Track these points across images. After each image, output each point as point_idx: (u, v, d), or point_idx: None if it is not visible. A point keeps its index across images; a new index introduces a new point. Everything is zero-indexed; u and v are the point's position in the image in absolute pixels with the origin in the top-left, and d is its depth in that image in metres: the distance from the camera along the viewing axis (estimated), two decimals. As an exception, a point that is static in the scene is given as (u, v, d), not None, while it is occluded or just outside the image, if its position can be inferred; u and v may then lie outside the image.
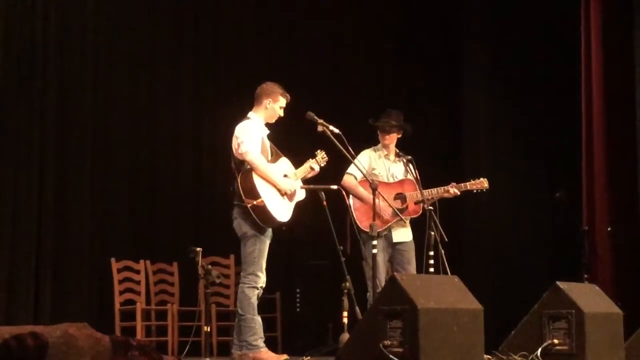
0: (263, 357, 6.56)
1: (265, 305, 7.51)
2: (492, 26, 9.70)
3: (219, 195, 7.75)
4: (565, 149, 9.03)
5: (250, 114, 6.82)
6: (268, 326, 7.29)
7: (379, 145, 7.42)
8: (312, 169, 6.90)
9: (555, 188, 8.81)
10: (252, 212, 6.51)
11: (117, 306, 8.51)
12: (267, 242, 6.64)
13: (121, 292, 8.57)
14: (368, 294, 6.95)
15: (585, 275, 7.89)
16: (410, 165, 7.33)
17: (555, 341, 5.55)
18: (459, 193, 7.25)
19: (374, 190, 6.57)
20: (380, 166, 7.35)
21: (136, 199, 9.19)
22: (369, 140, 7.47)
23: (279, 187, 6.65)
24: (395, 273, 6.29)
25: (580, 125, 8.42)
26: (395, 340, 4.86)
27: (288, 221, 6.72)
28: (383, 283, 6.36)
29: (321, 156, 6.91)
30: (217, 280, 5.97)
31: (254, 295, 6.58)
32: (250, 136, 6.63)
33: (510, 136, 9.58)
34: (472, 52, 9.98)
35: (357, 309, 6.56)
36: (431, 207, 6.94)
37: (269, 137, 6.84)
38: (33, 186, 8.44)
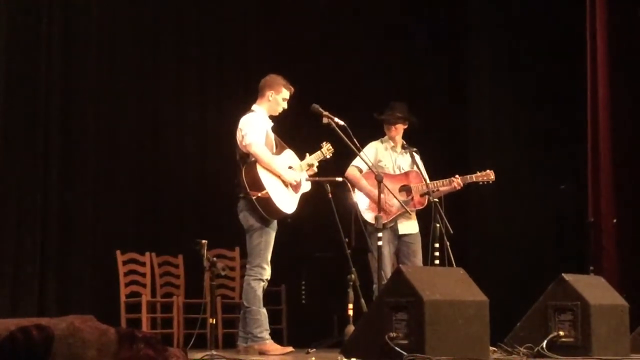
0: (268, 349, 6.57)
1: (270, 297, 7.52)
2: (497, 16, 9.67)
3: (224, 187, 7.74)
4: (570, 140, 9.01)
5: (254, 107, 6.82)
6: (273, 318, 7.29)
7: (386, 137, 7.42)
8: (322, 154, 6.89)
9: (561, 180, 8.80)
10: (257, 204, 6.51)
11: (122, 298, 8.52)
12: (273, 234, 6.65)
13: (126, 285, 8.58)
14: (374, 286, 6.96)
15: (591, 267, 7.88)
16: (416, 157, 7.33)
17: (561, 333, 5.56)
18: (462, 185, 7.24)
19: (379, 182, 6.57)
20: (386, 158, 7.36)
21: (141, 191, 9.19)
22: (375, 133, 7.47)
23: (283, 178, 6.65)
24: (400, 265, 6.29)
25: (586, 116, 8.40)
26: (400, 332, 4.87)
27: (293, 213, 6.73)
28: (389, 275, 6.36)
29: (327, 148, 6.91)
30: (223, 273, 5.96)
31: (259, 288, 6.59)
32: (254, 128, 6.63)
33: (515, 128, 9.56)
34: (477, 43, 9.96)
35: (363, 301, 6.57)
36: (437, 199, 6.94)
37: (274, 129, 6.84)
38: (38, 180, 8.45)
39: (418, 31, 10.03)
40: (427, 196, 7.13)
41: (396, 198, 6.98)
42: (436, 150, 8.62)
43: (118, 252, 8.58)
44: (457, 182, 7.21)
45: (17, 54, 8.41)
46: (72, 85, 8.79)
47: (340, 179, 7.00)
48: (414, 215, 7.28)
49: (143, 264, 8.71)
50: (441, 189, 7.21)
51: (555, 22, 9.20)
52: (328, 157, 6.93)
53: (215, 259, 5.90)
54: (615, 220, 8.13)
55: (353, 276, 6.63)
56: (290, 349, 6.90)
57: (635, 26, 8.21)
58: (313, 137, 7.09)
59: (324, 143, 6.91)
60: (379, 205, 6.63)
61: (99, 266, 8.72)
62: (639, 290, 7.40)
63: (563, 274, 5.73)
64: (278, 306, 8.86)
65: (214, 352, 5.77)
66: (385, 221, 6.95)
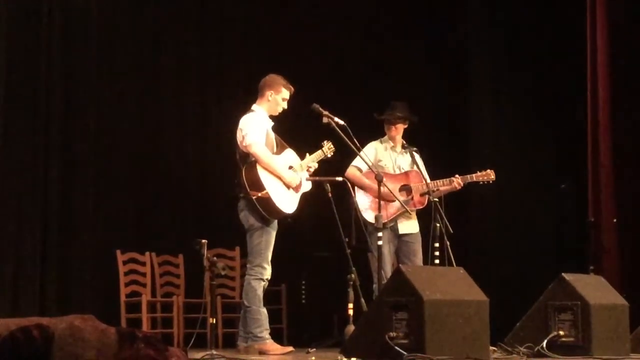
0: (268, 348, 6.57)
1: (270, 297, 7.52)
2: (497, 16, 9.67)
3: (224, 187, 7.75)
4: (571, 140, 9.01)
5: (254, 107, 6.82)
6: (273, 318, 7.29)
7: (386, 137, 7.42)
8: (323, 153, 6.89)
9: (561, 179, 8.81)
10: (257, 204, 6.52)
11: (122, 298, 8.52)
12: (273, 234, 6.65)
13: (127, 284, 8.58)
14: (374, 285, 6.96)
15: (591, 267, 7.88)
16: (417, 156, 7.33)
17: (561, 333, 5.57)
18: (462, 185, 7.24)
19: (380, 181, 6.57)
20: (386, 158, 7.35)
21: (141, 190, 9.19)
22: (375, 133, 7.47)
23: (284, 179, 6.65)
24: (400, 265, 6.29)
25: (586, 116, 8.40)
26: (400, 331, 4.87)
27: (293, 213, 6.73)
28: (389, 275, 6.36)
29: (328, 147, 6.91)
30: (223, 272, 5.97)
31: (260, 287, 6.59)
32: (255, 128, 6.63)
33: (515, 128, 9.56)
34: (477, 42, 9.95)
35: (363, 300, 6.57)
36: (437, 199, 6.94)
37: (274, 129, 6.84)
38: (38, 179, 8.45)
39: (418, 31, 10.02)
40: (427, 196, 7.13)
41: (396, 198, 6.98)
42: (436, 149, 8.61)
43: (118, 252, 8.58)
44: (457, 181, 7.21)
45: (17, 54, 8.42)
46: (72, 85, 8.79)
47: (340, 178, 7.00)
48: (414, 214, 7.28)
49: (143, 264, 8.71)
50: (441, 188, 7.20)
51: (556, 22, 9.20)
52: (329, 156, 6.93)
53: (215, 258, 5.90)
54: (615, 220, 8.13)
55: (353, 276, 6.63)
56: (290, 348, 6.89)
57: (635, 26, 8.22)
58: (313, 136, 7.09)
59: (325, 142, 6.90)
60: (379, 204, 6.62)
61: (99, 266, 8.73)
62: (639, 290, 7.40)
63: (563, 274, 5.73)
64: (278, 306, 8.85)
65: (214, 352, 5.78)
66: (385, 220, 6.94)
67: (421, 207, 7.23)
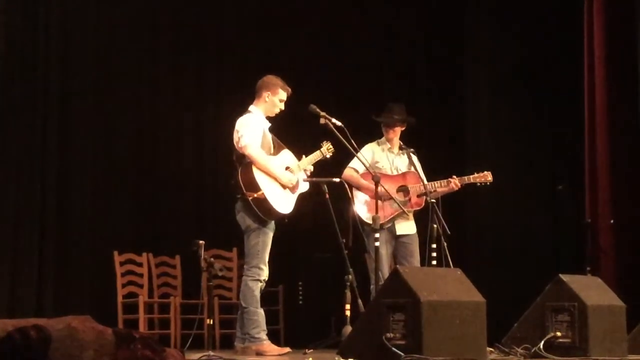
0: (266, 349, 6.57)
1: (268, 297, 7.52)
2: (496, 15, 9.67)
3: (222, 188, 7.76)
4: (568, 140, 9.02)
5: (251, 108, 6.82)
6: (271, 319, 7.29)
7: (383, 139, 7.42)
8: (322, 154, 6.88)
9: (558, 180, 8.81)
10: (253, 205, 6.52)
11: (119, 299, 8.52)
12: (271, 235, 6.65)
13: (124, 285, 8.58)
14: (371, 286, 6.95)
15: (588, 268, 7.89)
16: (414, 158, 7.34)
17: (558, 333, 5.56)
18: (460, 186, 7.24)
19: (377, 183, 6.57)
20: (383, 159, 7.35)
21: (138, 191, 9.19)
22: (372, 134, 7.47)
23: (280, 180, 6.65)
24: (398, 266, 6.29)
25: (583, 117, 8.41)
26: (397, 332, 4.87)
27: (290, 213, 6.73)
28: (386, 276, 6.36)
29: (327, 147, 6.90)
30: (220, 273, 5.96)
31: (257, 288, 6.59)
32: (250, 130, 6.63)
33: (513, 129, 9.57)
34: (475, 41, 9.95)
35: (360, 301, 6.57)
36: (434, 200, 6.94)
37: (272, 130, 6.84)
38: (35, 180, 8.45)
39: (416, 32, 10.02)
40: (424, 197, 7.13)
41: (394, 199, 6.97)
42: (434, 151, 8.62)
43: (115, 253, 8.57)
44: (455, 182, 7.21)
45: (15, 55, 8.42)
46: (70, 86, 8.80)
47: (337, 179, 7.00)
48: (411, 216, 7.28)
49: (140, 265, 8.70)
50: (439, 189, 7.20)
51: (553, 22, 9.21)
52: (328, 156, 6.92)
53: (212, 259, 5.90)
54: (612, 221, 8.14)
55: (350, 277, 6.63)
56: (287, 349, 6.89)
57: (631, 27, 8.22)
58: (311, 138, 7.08)
59: (324, 142, 6.89)
60: (376, 205, 6.62)
61: (96, 267, 8.73)
62: (636, 290, 7.41)
63: (560, 275, 5.73)
64: (275, 306, 8.86)
65: (211, 353, 5.78)
66: (383, 221, 6.94)
67: (418, 208, 7.23)
